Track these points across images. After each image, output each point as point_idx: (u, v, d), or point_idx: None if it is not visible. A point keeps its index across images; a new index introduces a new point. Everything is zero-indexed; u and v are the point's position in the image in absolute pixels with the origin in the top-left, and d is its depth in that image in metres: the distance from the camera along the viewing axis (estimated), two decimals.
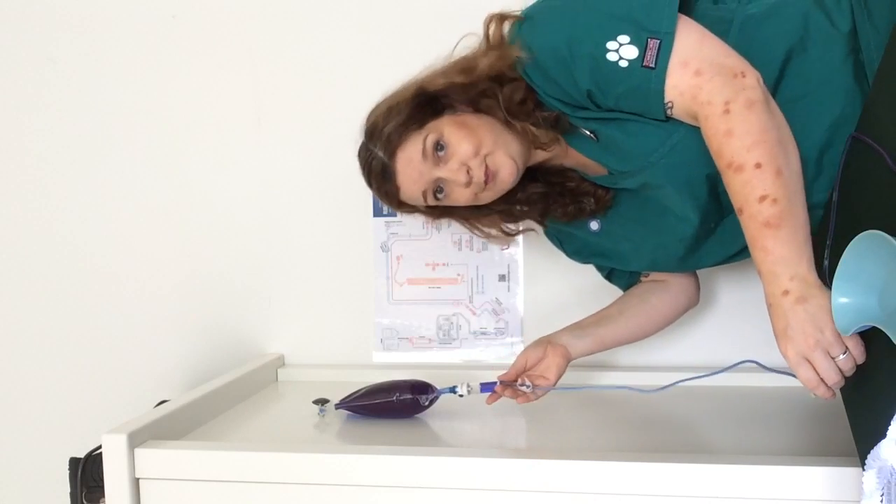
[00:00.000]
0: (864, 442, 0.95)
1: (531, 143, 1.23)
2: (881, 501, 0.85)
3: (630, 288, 1.48)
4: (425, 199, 1.25)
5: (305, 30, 1.74)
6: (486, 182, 1.21)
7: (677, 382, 1.22)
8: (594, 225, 1.39)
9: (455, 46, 1.27)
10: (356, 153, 1.28)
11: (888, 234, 0.88)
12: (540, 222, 1.43)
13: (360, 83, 1.71)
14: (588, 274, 1.65)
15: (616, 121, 1.17)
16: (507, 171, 1.22)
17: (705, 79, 1.07)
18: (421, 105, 1.21)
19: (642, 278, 1.46)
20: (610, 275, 1.50)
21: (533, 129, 1.20)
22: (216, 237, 1.80)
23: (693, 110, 1.09)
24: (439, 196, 1.25)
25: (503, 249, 1.71)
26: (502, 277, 1.72)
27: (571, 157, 1.29)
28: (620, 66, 1.10)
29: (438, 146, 1.20)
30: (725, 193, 1.14)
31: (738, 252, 1.26)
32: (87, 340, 1.85)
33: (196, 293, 1.81)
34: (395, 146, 1.21)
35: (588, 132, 1.21)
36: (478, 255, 1.72)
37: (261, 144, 1.77)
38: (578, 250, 1.46)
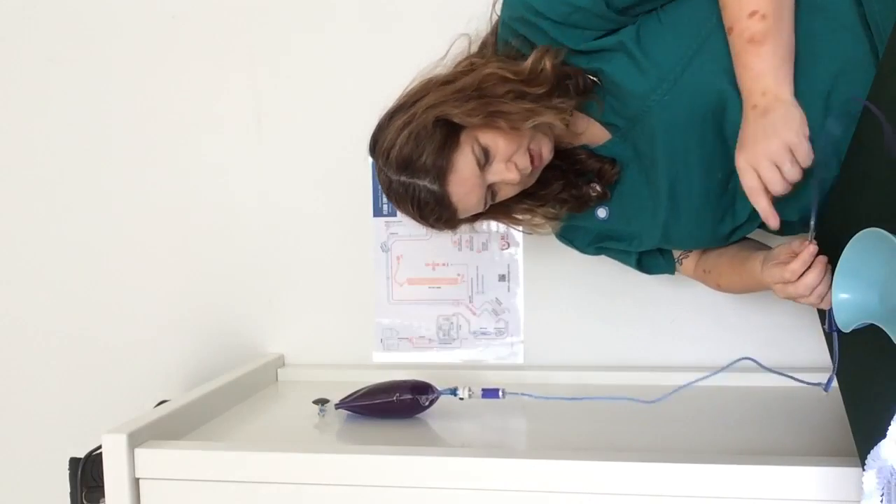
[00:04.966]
0: (864, 442, 0.95)
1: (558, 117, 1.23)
2: (881, 501, 0.85)
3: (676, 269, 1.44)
4: (484, 206, 1.25)
5: (305, 30, 1.74)
6: (532, 167, 1.22)
7: (677, 389, 1.22)
8: (601, 213, 1.39)
9: (448, 49, 1.26)
10: (386, 188, 1.22)
11: (889, 231, 0.88)
12: (555, 216, 1.41)
13: (360, 83, 1.71)
14: (588, 274, 1.66)
15: (620, 52, 1.17)
16: (547, 148, 1.24)
17: None
18: (448, 122, 1.18)
19: (678, 264, 1.43)
20: (641, 264, 1.45)
21: (557, 104, 1.20)
22: (216, 237, 1.80)
23: None
24: (493, 199, 1.25)
25: (503, 249, 1.71)
26: (502, 277, 1.72)
27: (580, 131, 1.29)
28: None
29: (484, 152, 1.19)
30: (734, 135, 1.15)
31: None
32: (87, 340, 1.85)
33: (196, 293, 1.81)
34: (444, 171, 1.17)
35: (591, 76, 1.21)
36: (478, 255, 1.72)
37: (261, 144, 1.77)
38: (590, 242, 1.45)
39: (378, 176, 1.25)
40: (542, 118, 1.18)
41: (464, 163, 1.18)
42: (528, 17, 1.17)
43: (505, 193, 1.25)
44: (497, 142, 1.18)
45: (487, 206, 1.25)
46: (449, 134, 1.17)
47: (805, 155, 1.02)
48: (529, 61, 1.19)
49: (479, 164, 1.19)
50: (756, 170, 1.04)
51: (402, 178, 1.20)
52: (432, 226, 1.25)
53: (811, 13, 1.11)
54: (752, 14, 1.05)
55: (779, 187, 1.03)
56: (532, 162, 1.22)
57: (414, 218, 1.24)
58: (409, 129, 1.18)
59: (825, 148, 1.04)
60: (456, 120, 1.17)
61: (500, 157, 1.20)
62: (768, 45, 1.05)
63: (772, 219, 1.06)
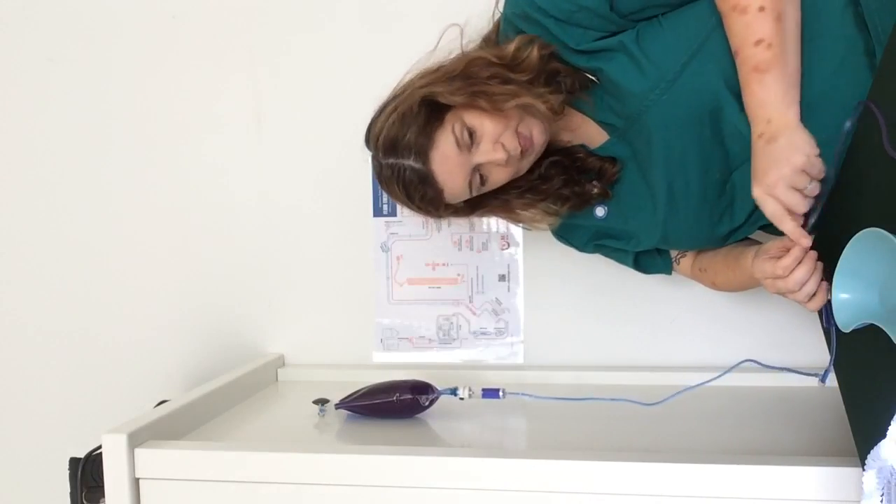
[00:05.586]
0: (864, 442, 0.95)
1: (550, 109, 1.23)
2: (881, 501, 0.85)
3: (673, 269, 1.44)
4: (471, 189, 1.24)
5: (305, 30, 1.74)
6: (522, 150, 1.21)
7: (679, 392, 1.22)
8: (600, 211, 1.39)
9: (438, 40, 1.27)
10: (378, 174, 1.24)
11: (888, 230, 0.88)
12: (556, 213, 1.40)
13: (360, 83, 1.71)
14: (588, 274, 1.66)
15: (620, 52, 1.17)
16: (538, 131, 1.23)
17: None
18: (433, 103, 1.20)
19: (675, 264, 1.43)
20: (638, 263, 1.46)
21: (542, 93, 1.20)
22: (217, 237, 1.80)
23: None
24: (483, 183, 1.24)
25: (503, 249, 1.71)
26: (502, 277, 1.72)
27: (575, 128, 1.30)
28: None
29: (469, 133, 1.19)
30: (731, 137, 1.15)
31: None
32: (87, 340, 1.85)
33: (196, 293, 1.81)
34: (426, 148, 1.19)
35: (590, 75, 1.22)
36: (478, 255, 1.72)
37: (261, 144, 1.77)
38: (587, 240, 1.45)
39: (372, 165, 1.26)
40: (524, 100, 1.18)
41: (444, 140, 1.19)
42: (530, 13, 1.17)
43: (495, 178, 1.25)
44: (483, 122, 1.19)
45: (476, 190, 1.25)
46: (433, 113, 1.19)
47: (818, 171, 1.04)
48: (513, 45, 1.19)
49: (458, 142, 1.19)
50: (775, 197, 1.04)
51: (390, 161, 1.21)
52: (419, 207, 1.24)
53: (808, 15, 1.11)
54: (758, 42, 1.05)
55: (802, 207, 1.04)
56: (523, 145, 1.21)
57: (402, 201, 1.24)
58: (396, 112, 1.21)
59: (839, 152, 1.06)
60: (441, 99, 1.18)
61: (487, 138, 1.20)
62: (772, 74, 1.05)
63: (803, 239, 1.06)
